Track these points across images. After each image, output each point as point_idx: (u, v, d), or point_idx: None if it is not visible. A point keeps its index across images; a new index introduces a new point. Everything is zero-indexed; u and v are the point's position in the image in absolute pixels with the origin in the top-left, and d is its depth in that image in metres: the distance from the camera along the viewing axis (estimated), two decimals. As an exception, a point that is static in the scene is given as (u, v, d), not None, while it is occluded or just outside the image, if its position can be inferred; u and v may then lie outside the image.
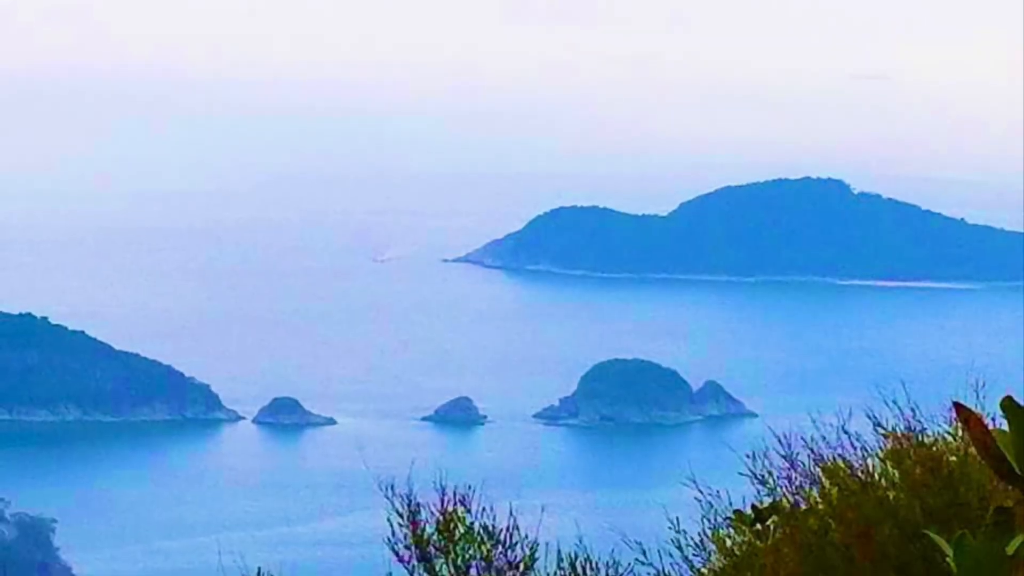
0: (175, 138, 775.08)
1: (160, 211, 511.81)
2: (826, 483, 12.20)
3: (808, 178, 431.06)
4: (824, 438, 12.52)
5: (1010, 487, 7.74)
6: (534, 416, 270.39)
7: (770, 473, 12.59)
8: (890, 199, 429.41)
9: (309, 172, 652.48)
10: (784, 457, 12.57)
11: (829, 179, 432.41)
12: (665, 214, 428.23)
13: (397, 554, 12.86)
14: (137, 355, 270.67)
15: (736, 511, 12.33)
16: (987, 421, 7.86)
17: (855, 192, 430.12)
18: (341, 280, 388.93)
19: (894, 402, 12.44)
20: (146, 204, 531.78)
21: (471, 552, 12.76)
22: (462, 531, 12.77)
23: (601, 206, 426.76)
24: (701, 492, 12.53)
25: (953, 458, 11.86)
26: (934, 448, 12.06)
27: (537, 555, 12.74)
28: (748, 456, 12.65)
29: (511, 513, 12.90)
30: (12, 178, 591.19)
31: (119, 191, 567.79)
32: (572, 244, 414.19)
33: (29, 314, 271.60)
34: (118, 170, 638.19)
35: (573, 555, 12.63)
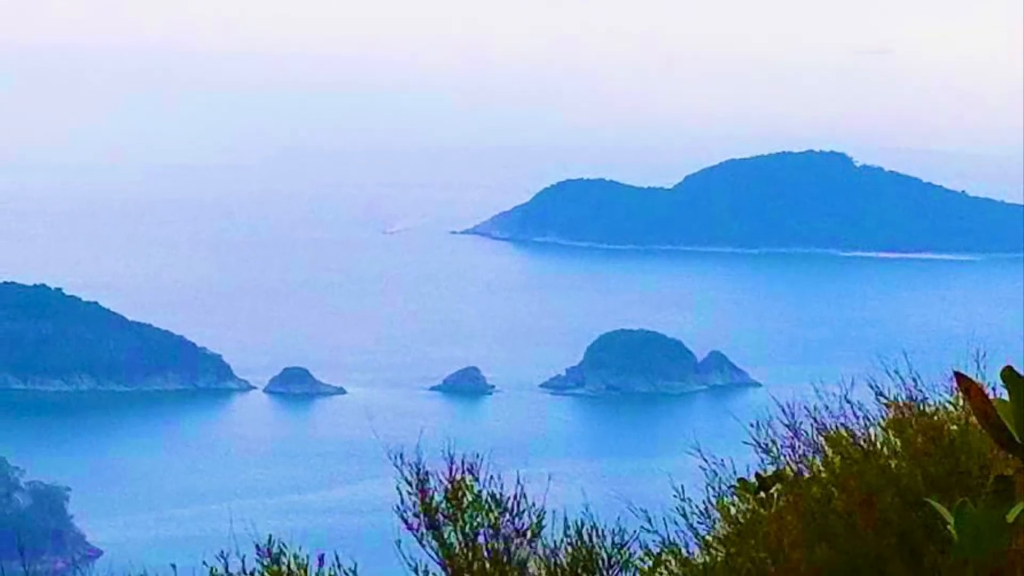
0: (187, 111, 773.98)
1: (172, 183, 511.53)
2: (829, 452, 12.32)
3: (811, 151, 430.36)
4: (827, 407, 12.63)
5: (1010, 456, 7.84)
6: (541, 386, 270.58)
7: (774, 442, 12.72)
8: (892, 172, 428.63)
9: (319, 145, 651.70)
10: (787, 426, 12.69)
11: (832, 152, 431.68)
12: (670, 187, 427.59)
13: (406, 522, 12.99)
14: (150, 325, 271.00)
15: (740, 479, 12.46)
16: (987, 391, 7.95)
17: (857, 165, 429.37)
18: (351, 252, 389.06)
19: (896, 372, 12.55)
20: (158, 176, 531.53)
21: (479, 520, 12.89)
22: (470, 499, 12.90)
23: (607, 179, 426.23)
24: (706, 461, 12.66)
25: (954, 427, 11.97)
26: (935, 417, 12.17)
27: (544, 523, 12.87)
28: (752, 425, 12.77)
29: (518, 481, 13.02)
30: (26, 151, 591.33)
31: (131, 164, 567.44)
32: (578, 216, 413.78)
33: (43, 285, 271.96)
34: (130, 143, 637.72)
35: (579, 523, 12.76)
